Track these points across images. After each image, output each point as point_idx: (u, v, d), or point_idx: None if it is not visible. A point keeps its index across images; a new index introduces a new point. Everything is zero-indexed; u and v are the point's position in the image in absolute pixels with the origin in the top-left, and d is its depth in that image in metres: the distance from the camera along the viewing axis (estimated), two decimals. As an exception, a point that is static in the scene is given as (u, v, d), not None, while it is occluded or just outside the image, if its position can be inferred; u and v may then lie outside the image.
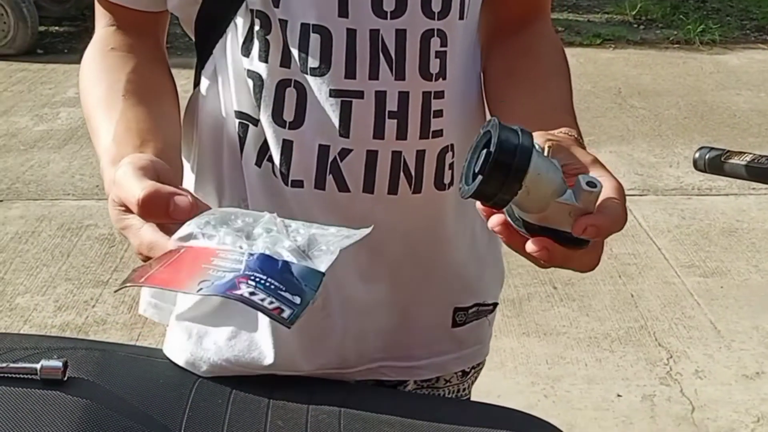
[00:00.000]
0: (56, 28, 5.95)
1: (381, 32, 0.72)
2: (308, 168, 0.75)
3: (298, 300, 0.50)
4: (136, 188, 0.58)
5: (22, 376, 0.76)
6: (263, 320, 0.79)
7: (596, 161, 0.63)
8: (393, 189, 0.76)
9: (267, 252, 0.53)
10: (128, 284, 0.53)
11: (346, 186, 0.76)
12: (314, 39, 0.72)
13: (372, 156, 0.75)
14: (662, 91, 4.78)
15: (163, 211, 0.57)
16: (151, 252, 0.58)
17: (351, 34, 0.72)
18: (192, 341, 0.80)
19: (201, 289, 0.50)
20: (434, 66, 0.75)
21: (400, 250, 0.80)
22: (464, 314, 0.87)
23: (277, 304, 0.49)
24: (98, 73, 0.78)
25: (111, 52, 0.78)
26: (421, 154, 0.76)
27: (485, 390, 2.18)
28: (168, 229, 0.58)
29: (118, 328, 2.45)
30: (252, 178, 0.78)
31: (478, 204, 0.60)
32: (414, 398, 0.87)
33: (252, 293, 0.49)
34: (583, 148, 0.65)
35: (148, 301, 0.89)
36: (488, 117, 0.83)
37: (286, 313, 0.50)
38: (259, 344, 0.79)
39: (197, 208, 0.57)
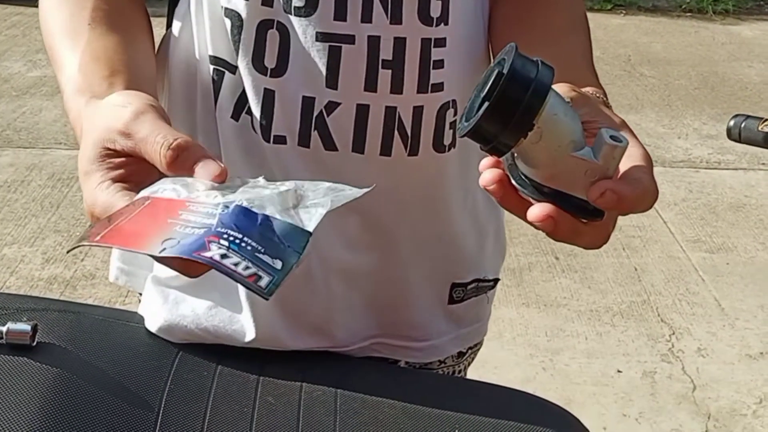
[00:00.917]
0: (53, -28, 5.81)
1: None
2: (291, 122, 0.67)
3: (278, 264, 0.43)
4: (169, 133, 0.51)
5: (-15, 339, 0.70)
6: (246, 290, 0.72)
7: (625, 124, 0.54)
8: (386, 149, 0.68)
9: (245, 204, 0.45)
10: (83, 243, 0.46)
11: (333, 144, 0.68)
12: None
13: (363, 111, 0.67)
14: (673, 61, 4.68)
15: (189, 166, 0.50)
16: (105, 214, 0.50)
17: None
18: (168, 306, 0.73)
19: (164, 249, 0.42)
20: (435, 9, 0.66)
21: (393, 217, 0.73)
22: (462, 290, 0.80)
23: (253, 269, 0.42)
24: (59, 0, 0.69)
25: None
26: (418, 111, 0.68)
27: (482, 360, 2.13)
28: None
29: (107, 283, 2.38)
30: (227, 132, 0.70)
31: (484, 177, 0.50)
32: (416, 376, 0.80)
33: (224, 255, 0.42)
34: (610, 108, 0.57)
35: (117, 266, 0.82)
36: None
37: (264, 281, 0.42)
38: (240, 317, 0.72)
39: (222, 179, 0.50)
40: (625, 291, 2.48)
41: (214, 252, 0.42)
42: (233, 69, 0.68)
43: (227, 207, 0.45)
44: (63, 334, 0.72)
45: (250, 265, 0.42)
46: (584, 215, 0.49)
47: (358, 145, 0.68)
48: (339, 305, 0.74)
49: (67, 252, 0.58)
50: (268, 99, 0.67)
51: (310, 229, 0.45)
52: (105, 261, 2.49)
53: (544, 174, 0.49)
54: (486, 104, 0.46)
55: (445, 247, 0.77)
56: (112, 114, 0.53)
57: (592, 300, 2.42)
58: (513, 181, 0.50)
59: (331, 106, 0.67)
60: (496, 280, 0.84)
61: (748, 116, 0.95)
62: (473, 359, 0.88)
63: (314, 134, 0.67)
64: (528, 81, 0.46)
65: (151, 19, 0.73)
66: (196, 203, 0.46)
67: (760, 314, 2.40)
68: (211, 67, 0.69)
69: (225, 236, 0.43)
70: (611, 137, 0.48)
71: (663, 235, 2.80)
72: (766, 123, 0.92)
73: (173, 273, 0.73)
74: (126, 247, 0.45)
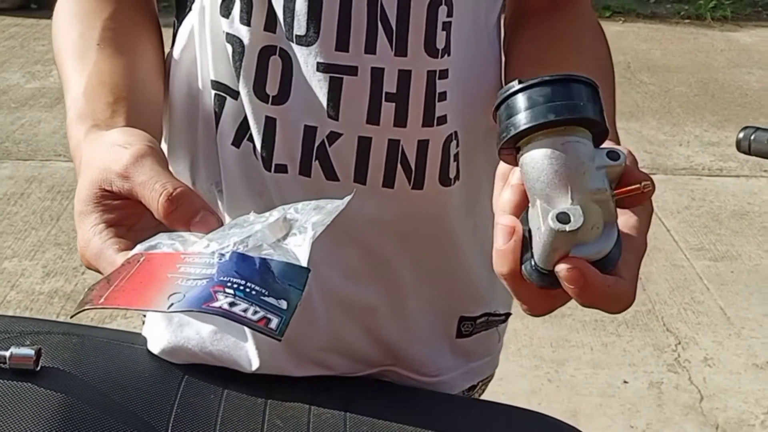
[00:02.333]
0: (52, -17, 5.81)
1: None
2: (293, 151, 0.65)
3: (284, 304, 0.44)
4: (168, 181, 0.51)
5: (-12, 364, 0.68)
6: None
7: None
8: (389, 182, 0.66)
9: (239, 249, 0.46)
10: (86, 307, 0.46)
11: (335, 174, 0.66)
12: (301, 0, 0.62)
13: (364, 143, 0.64)
14: (672, 67, 4.68)
15: (186, 218, 0.50)
16: (96, 260, 0.50)
17: None
18: (172, 328, 0.72)
19: (172, 305, 0.43)
20: (440, 40, 0.64)
21: (394, 249, 0.70)
22: (471, 324, 0.77)
23: (261, 313, 0.43)
24: (71, 18, 0.68)
25: None
26: (423, 145, 0.65)
27: (487, 372, 2.13)
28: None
29: (107, 296, 2.37)
30: (228, 159, 0.68)
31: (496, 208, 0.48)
32: (425, 397, 0.79)
33: (232, 303, 0.42)
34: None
35: None
36: None
37: (274, 322, 0.43)
38: (245, 345, 0.71)
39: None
40: (629, 300, 2.46)
41: (222, 301, 0.43)
42: (235, 95, 0.66)
43: (223, 255, 0.45)
44: (67, 357, 0.71)
45: (258, 309, 0.43)
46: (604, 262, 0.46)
47: (360, 177, 0.66)
48: (342, 337, 0.72)
49: (71, 317, 0.58)
50: (269, 127, 0.65)
51: (305, 263, 0.46)
52: (106, 274, 2.47)
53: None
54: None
55: (452, 281, 0.75)
56: (112, 155, 0.53)
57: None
58: (531, 279, 0.47)
59: (333, 137, 0.65)
60: (508, 315, 0.81)
61: (758, 128, 0.94)
62: (484, 390, 0.86)
63: (315, 164, 0.65)
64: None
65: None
66: (191, 255, 0.46)
67: (766, 323, 2.39)
68: (213, 92, 0.68)
69: (229, 284, 0.44)
70: (608, 154, 0.46)
71: (666, 243, 2.79)
72: (778, 136, 0.91)
73: None
74: (132, 307, 0.45)
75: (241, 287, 0.44)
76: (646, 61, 4.77)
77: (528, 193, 0.47)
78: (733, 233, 2.89)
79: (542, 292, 0.48)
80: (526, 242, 0.48)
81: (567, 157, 0.44)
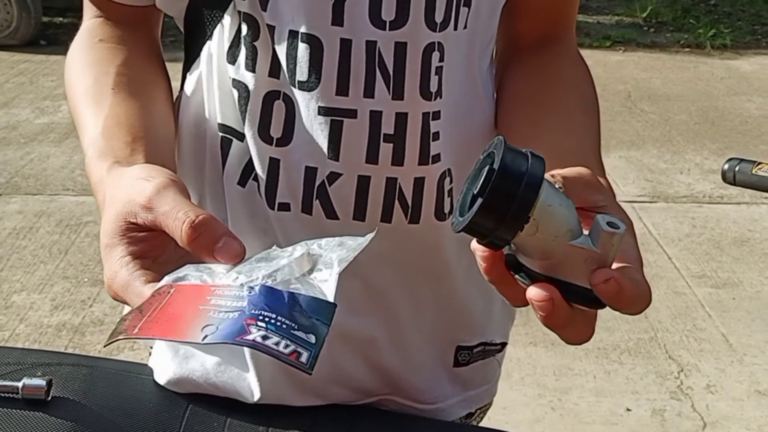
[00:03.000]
0: (60, 19, 5.90)
1: (378, 45, 0.65)
2: (295, 190, 0.69)
3: (312, 338, 0.44)
4: (191, 209, 0.51)
5: (2, 395, 0.71)
6: (247, 352, 0.73)
7: (631, 224, 0.52)
8: (387, 217, 0.69)
9: (268, 283, 0.47)
10: (120, 337, 0.47)
11: (335, 212, 0.69)
12: (303, 49, 0.65)
13: (364, 182, 0.68)
14: (672, 96, 4.72)
15: (209, 244, 0.50)
16: (123, 292, 0.51)
17: (345, 45, 0.65)
18: (177, 360, 0.75)
19: (206, 336, 0.44)
20: (434, 84, 0.67)
21: (392, 282, 0.73)
22: (468, 353, 0.80)
23: (292, 347, 0.43)
24: (85, 65, 0.72)
25: (99, 44, 0.73)
26: (419, 182, 0.69)
27: (491, 401, 2.14)
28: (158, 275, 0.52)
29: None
30: (234, 197, 0.71)
31: (473, 243, 0.49)
32: (423, 423, 0.81)
33: (264, 337, 0.43)
34: (608, 189, 0.55)
35: None
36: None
37: (304, 356, 0.44)
38: (247, 376, 0.73)
39: (242, 258, 0.51)
40: (632, 328, 2.48)
41: (255, 334, 0.43)
42: (241, 137, 0.70)
43: (252, 288, 0.46)
44: (77, 388, 0.74)
45: (289, 342, 0.43)
46: (584, 302, 0.48)
47: (359, 214, 0.69)
48: (342, 367, 0.75)
49: (105, 346, 0.59)
50: (273, 167, 0.68)
51: (332, 299, 0.47)
52: (113, 307, 2.50)
53: (542, 264, 0.48)
54: (479, 200, 0.45)
55: (448, 311, 0.77)
56: (135, 188, 0.54)
57: (600, 338, 2.42)
58: (510, 270, 0.49)
59: (333, 177, 0.68)
60: (504, 344, 0.84)
61: (742, 159, 0.97)
62: (482, 418, 0.88)
63: (316, 203, 0.68)
64: (520, 175, 0.45)
65: (167, 63, 0.76)
66: (221, 287, 0.47)
67: (768, 349, 2.40)
68: (220, 134, 0.71)
69: (261, 318, 0.44)
70: (608, 224, 0.47)
71: (668, 271, 2.81)
72: (759, 166, 0.94)
73: None
74: (166, 338, 0.46)
75: (272, 321, 0.44)
76: (647, 90, 4.82)
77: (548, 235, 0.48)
78: (735, 260, 2.90)
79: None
80: (513, 265, 0.49)
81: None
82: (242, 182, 0.71)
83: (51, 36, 5.56)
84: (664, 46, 5.81)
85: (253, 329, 0.43)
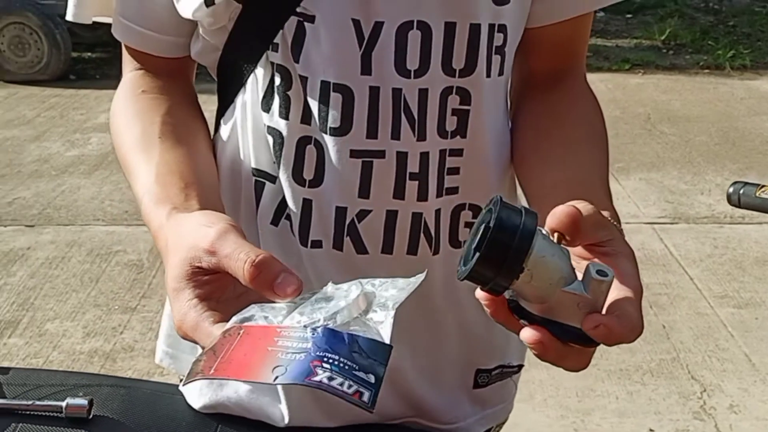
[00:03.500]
0: (89, 54, 6.05)
1: (403, 92, 0.70)
2: (327, 228, 0.73)
3: (372, 378, 0.48)
4: (252, 250, 0.55)
5: (48, 413, 0.76)
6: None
7: (632, 254, 0.57)
8: (413, 250, 0.74)
9: (329, 325, 0.51)
10: (198, 377, 0.50)
11: (364, 247, 0.73)
12: (335, 98, 0.70)
13: (392, 216, 0.73)
14: (692, 117, 4.73)
15: (270, 280, 0.54)
16: (193, 332, 0.55)
17: (374, 92, 0.70)
18: (213, 387, 0.79)
19: (277, 377, 0.47)
20: (450, 123, 0.72)
21: (418, 312, 0.77)
22: (487, 376, 0.84)
23: (355, 387, 0.47)
24: (131, 115, 0.77)
25: (142, 95, 0.78)
26: (437, 213, 0.74)
27: (513, 422, 2.14)
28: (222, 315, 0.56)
29: (145, 354, 2.45)
30: (267, 236, 0.76)
31: (478, 291, 0.54)
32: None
33: (330, 378, 0.47)
34: (622, 233, 0.59)
35: (163, 349, 0.88)
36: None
37: (366, 396, 0.47)
38: (278, 402, 0.78)
39: (299, 292, 0.54)
40: (654, 349, 2.49)
41: (321, 376, 0.47)
42: (273, 179, 0.75)
43: (315, 330, 0.50)
44: (116, 407, 0.78)
45: (351, 383, 0.47)
46: (578, 342, 0.53)
47: (387, 248, 0.73)
48: None
49: (184, 385, 0.63)
50: (306, 207, 0.73)
51: (388, 341, 0.50)
52: (143, 334, 2.56)
53: (540, 307, 0.53)
54: (478, 253, 0.51)
55: (469, 337, 0.81)
56: (198, 234, 0.57)
57: (622, 359, 2.43)
58: (513, 313, 0.54)
59: (363, 214, 0.72)
60: (521, 366, 0.88)
61: (746, 183, 1.00)
62: None
63: (347, 239, 0.73)
64: (514, 229, 0.50)
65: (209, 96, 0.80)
66: (286, 329, 0.51)
67: (792, 369, 2.39)
68: (254, 178, 0.76)
69: (325, 359, 0.48)
70: (597, 272, 0.52)
71: (690, 291, 2.81)
72: (763, 189, 0.97)
73: None
74: (240, 378, 0.49)
75: (336, 362, 0.47)
76: (666, 112, 4.83)
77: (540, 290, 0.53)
78: (757, 280, 2.90)
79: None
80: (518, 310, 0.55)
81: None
82: (275, 222, 0.75)
83: (80, 71, 5.70)
84: (684, 68, 5.82)
85: (320, 371, 0.47)
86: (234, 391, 0.79)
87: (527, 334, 0.52)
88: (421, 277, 0.55)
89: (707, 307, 2.72)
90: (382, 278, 0.55)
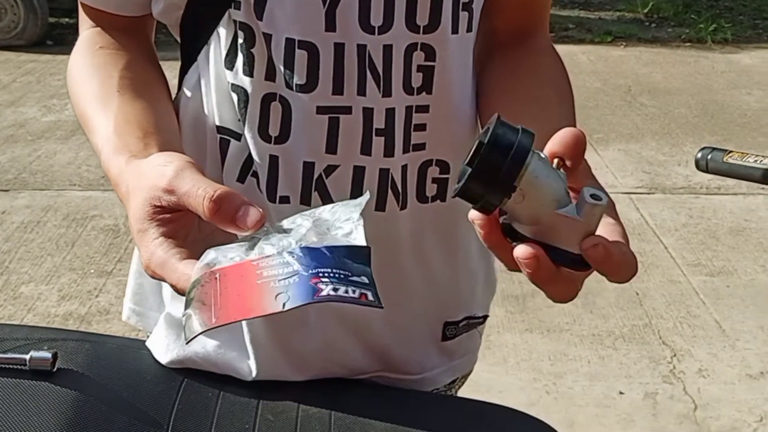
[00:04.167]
0: (66, 19, 5.96)
1: (368, 48, 0.70)
2: (294, 184, 0.73)
3: (365, 279, 0.48)
4: (209, 185, 0.55)
5: (11, 366, 0.76)
6: (247, 334, 0.78)
7: (613, 205, 0.57)
8: (380, 206, 0.74)
9: (303, 245, 0.50)
10: (201, 331, 0.48)
11: (332, 203, 0.74)
12: (300, 55, 0.70)
13: (359, 172, 0.73)
14: (673, 90, 4.75)
15: (231, 215, 0.53)
16: (161, 270, 0.54)
17: (339, 49, 0.70)
18: (180, 343, 0.79)
19: (284, 303, 0.47)
20: (416, 80, 0.72)
21: (387, 266, 0.77)
22: (454, 328, 0.85)
23: (358, 291, 0.47)
24: (89, 70, 0.76)
25: (100, 51, 0.77)
26: (404, 168, 0.74)
27: (487, 385, 2.20)
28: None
29: (120, 318, 2.45)
30: None
31: (471, 213, 0.54)
32: (407, 395, 0.86)
33: (335, 289, 0.47)
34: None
35: (130, 307, 0.88)
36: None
37: (370, 295, 0.47)
38: (245, 357, 0.79)
39: (262, 223, 0.54)
40: (627, 315, 2.52)
41: (327, 289, 0.47)
42: (238, 137, 0.74)
43: (292, 253, 0.49)
44: (80, 361, 0.78)
45: (354, 288, 0.47)
46: (572, 266, 0.52)
47: None
48: (337, 347, 0.79)
49: (186, 343, 0.63)
50: (273, 164, 0.73)
51: (364, 243, 0.50)
52: (119, 297, 2.56)
53: (534, 230, 0.52)
54: (469, 170, 0.50)
55: (437, 290, 0.82)
56: (156, 173, 0.57)
57: (594, 324, 2.46)
58: (507, 236, 0.53)
59: (330, 169, 0.72)
60: (485, 317, 0.89)
61: (714, 148, 1.01)
62: (463, 383, 0.93)
63: (315, 194, 0.73)
64: (508, 147, 0.50)
65: (171, 63, 0.80)
66: (262, 259, 0.50)
67: (760, 335, 2.44)
68: (218, 136, 0.76)
69: (320, 274, 0.48)
70: (591, 196, 0.51)
71: (664, 260, 2.85)
72: (730, 154, 0.98)
73: None
74: (249, 317, 0.48)
75: (330, 274, 0.47)
76: (647, 85, 4.84)
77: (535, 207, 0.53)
78: (730, 249, 2.94)
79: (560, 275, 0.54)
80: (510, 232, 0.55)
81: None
82: (241, 179, 0.75)
83: (57, 36, 5.62)
84: (665, 41, 5.83)
85: (322, 285, 0.47)
86: (201, 346, 0.79)
87: (521, 250, 0.52)
88: (366, 196, 0.55)
89: (680, 275, 2.75)
90: (322, 206, 0.55)
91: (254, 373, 0.78)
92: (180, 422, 0.73)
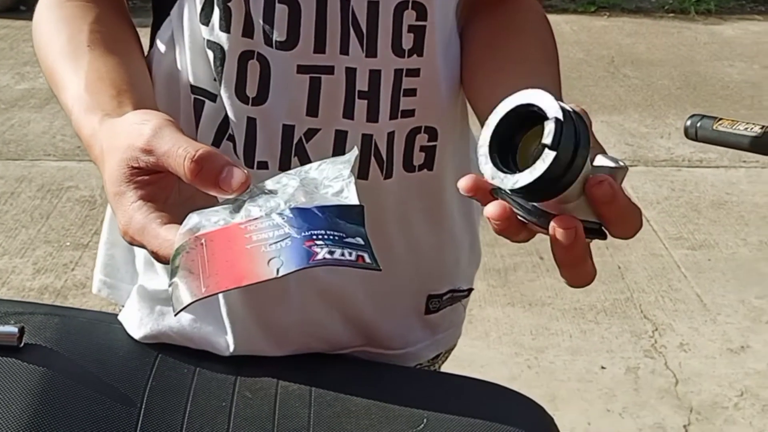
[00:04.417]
0: (40, -16, 5.83)
1: (352, 3, 0.67)
2: (273, 148, 0.70)
3: (360, 240, 0.45)
4: (190, 145, 0.51)
5: (-25, 341, 0.73)
6: (224, 308, 0.75)
7: None
8: (363, 174, 0.71)
9: (293, 206, 0.47)
10: (190, 302, 0.45)
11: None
12: (281, 10, 0.66)
13: (341, 137, 0.69)
14: (656, 61, 4.74)
15: (213, 175, 0.50)
16: (140, 236, 0.51)
17: (321, 4, 0.66)
18: (153, 317, 0.76)
19: (278, 269, 0.44)
20: (407, 41, 0.69)
21: (369, 237, 0.75)
22: (438, 301, 0.82)
23: (355, 253, 0.44)
24: (56, 23, 0.71)
25: (67, 3, 0.72)
26: (390, 136, 0.71)
27: (468, 360, 2.19)
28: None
29: (97, 291, 2.41)
30: None
31: (489, 209, 0.50)
32: (387, 370, 0.84)
33: (330, 252, 0.44)
34: None
35: (100, 279, 0.84)
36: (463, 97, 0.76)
37: (367, 257, 0.45)
38: (222, 331, 0.76)
39: (247, 186, 0.50)
40: (608, 289, 2.52)
41: (322, 252, 0.44)
42: (213, 97, 0.70)
43: (282, 215, 0.46)
44: (49, 336, 0.75)
45: (350, 250, 0.45)
46: (592, 235, 0.50)
47: None
48: (318, 321, 0.77)
49: (175, 315, 0.59)
50: (250, 127, 0.69)
51: (357, 201, 0.48)
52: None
53: (559, 207, 0.49)
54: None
55: (420, 262, 0.79)
56: (132, 132, 0.54)
57: (576, 298, 2.46)
58: (517, 211, 0.50)
59: (311, 133, 0.69)
60: (470, 290, 0.86)
61: (704, 116, 0.99)
62: (447, 358, 0.91)
63: (294, 159, 0.70)
64: (572, 151, 0.47)
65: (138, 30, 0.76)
66: (250, 222, 0.47)
67: (741, 309, 2.44)
68: (192, 96, 0.71)
69: (314, 236, 0.45)
70: (611, 159, 0.50)
71: (646, 233, 2.84)
72: (720, 122, 0.96)
73: (159, 286, 0.76)
74: (241, 285, 0.44)
75: (325, 236, 0.45)
76: (630, 56, 4.83)
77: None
78: (711, 222, 2.94)
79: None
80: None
81: None
82: (217, 143, 0.71)
83: (31, 2, 5.45)
84: (649, 12, 5.81)
85: (317, 249, 0.44)
86: (176, 321, 0.76)
87: (562, 222, 0.49)
88: (355, 152, 0.52)
89: (662, 249, 2.75)
90: (309, 164, 0.52)
91: (231, 348, 0.75)
92: (154, 399, 0.71)
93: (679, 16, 5.71)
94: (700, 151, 3.48)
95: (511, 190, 0.49)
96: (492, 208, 0.50)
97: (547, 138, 0.47)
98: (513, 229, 0.51)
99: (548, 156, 0.47)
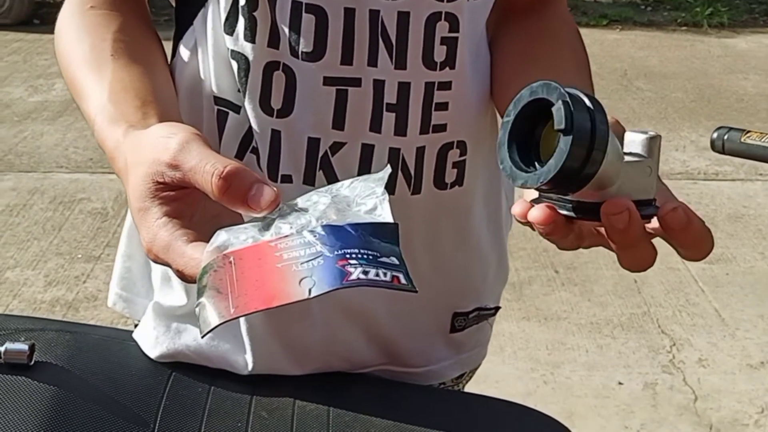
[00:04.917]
0: (54, -2, 5.87)
1: (381, 14, 0.64)
2: (298, 162, 0.68)
3: (395, 260, 0.43)
4: (218, 161, 0.49)
5: (-16, 359, 0.71)
6: (244, 325, 0.73)
7: None
8: (390, 189, 0.68)
9: (325, 223, 0.45)
10: (221, 323, 0.43)
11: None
12: (308, 19, 0.64)
13: (367, 150, 0.67)
14: (669, 74, 4.71)
15: (242, 194, 0.48)
16: (165, 254, 0.49)
17: (349, 14, 0.64)
18: (170, 335, 0.74)
19: (310, 289, 0.42)
20: (439, 54, 0.67)
21: None
22: (464, 319, 0.80)
23: (390, 273, 0.42)
24: (79, 31, 0.69)
25: (91, 11, 0.70)
26: (420, 151, 0.69)
27: (483, 375, 2.14)
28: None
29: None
30: None
31: (533, 213, 0.49)
32: (408, 390, 0.81)
33: (364, 272, 0.42)
34: None
35: (116, 292, 0.83)
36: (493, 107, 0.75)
37: (402, 278, 0.43)
38: (242, 350, 0.73)
39: (277, 204, 0.48)
40: (625, 303, 2.48)
41: (356, 272, 0.42)
42: (237, 109, 0.69)
43: (313, 232, 0.45)
44: (60, 353, 0.73)
45: (384, 270, 0.43)
46: (653, 213, 0.49)
47: None
48: (340, 339, 0.74)
49: (202, 337, 0.57)
50: (274, 139, 0.68)
51: (391, 219, 0.46)
52: (107, 283, 2.49)
53: (601, 194, 0.48)
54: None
55: (447, 279, 0.77)
56: (158, 146, 0.52)
57: (593, 313, 2.43)
58: (563, 212, 0.49)
59: (336, 147, 0.67)
60: (497, 308, 0.84)
61: (731, 128, 0.96)
62: (471, 378, 0.89)
63: (319, 173, 0.68)
64: (590, 128, 0.46)
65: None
66: (280, 240, 0.45)
67: (760, 324, 2.40)
68: (216, 107, 0.70)
69: (348, 256, 0.43)
70: (641, 132, 0.49)
71: (662, 246, 2.80)
72: (748, 135, 0.93)
73: (176, 302, 0.74)
74: (272, 306, 0.42)
75: (358, 255, 0.43)
76: (643, 69, 4.80)
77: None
78: (729, 236, 2.91)
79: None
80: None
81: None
82: (240, 155, 0.69)
83: (44, 15, 5.52)
84: (661, 25, 5.79)
85: (350, 268, 0.42)
86: (193, 339, 0.74)
87: (611, 204, 0.47)
88: (388, 170, 0.50)
89: (679, 262, 2.72)
90: (339, 182, 0.50)
91: (250, 367, 0.73)
92: (167, 419, 0.69)
93: (692, 29, 5.69)
94: (715, 164, 3.45)
95: (543, 189, 0.47)
96: (536, 212, 0.49)
97: (560, 124, 0.46)
98: (559, 231, 0.49)
99: (565, 141, 0.45)
